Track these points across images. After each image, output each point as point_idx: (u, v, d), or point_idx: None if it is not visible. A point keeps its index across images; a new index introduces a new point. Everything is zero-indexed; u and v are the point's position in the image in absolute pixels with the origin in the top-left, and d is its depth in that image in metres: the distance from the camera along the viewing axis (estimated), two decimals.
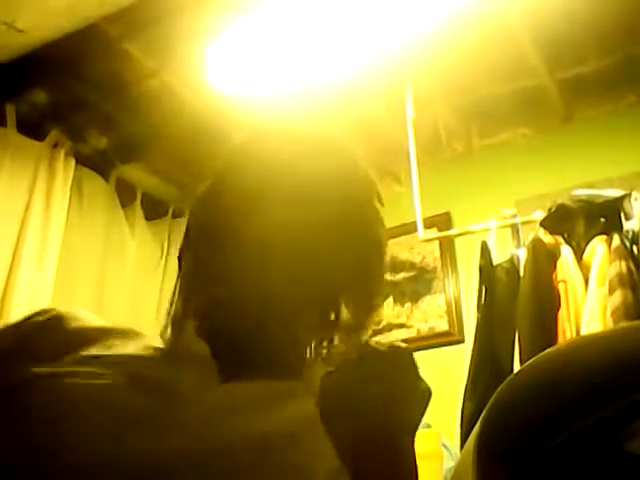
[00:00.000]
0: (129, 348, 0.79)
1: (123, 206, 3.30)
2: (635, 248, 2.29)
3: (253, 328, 0.77)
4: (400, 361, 0.81)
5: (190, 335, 0.80)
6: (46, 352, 0.76)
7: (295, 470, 0.70)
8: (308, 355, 0.82)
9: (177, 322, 0.82)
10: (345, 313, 0.82)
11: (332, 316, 0.82)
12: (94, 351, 0.77)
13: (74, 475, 0.68)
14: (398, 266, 3.35)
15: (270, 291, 0.77)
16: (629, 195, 2.41)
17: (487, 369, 2.40)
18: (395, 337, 3.22)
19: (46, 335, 0.79)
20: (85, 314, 0.84)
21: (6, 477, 0.69)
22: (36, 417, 0.71)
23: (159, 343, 0.82)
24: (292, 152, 0.83)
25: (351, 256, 0.82)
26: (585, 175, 2.89)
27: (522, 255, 2.50)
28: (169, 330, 0.82)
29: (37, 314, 0.81)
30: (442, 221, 3.28)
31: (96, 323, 0.83)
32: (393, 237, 3.22)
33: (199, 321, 0.80)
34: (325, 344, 0.82)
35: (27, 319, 0.81)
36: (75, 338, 0.79)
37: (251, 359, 0.78)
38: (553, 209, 2.51)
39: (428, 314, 3.26)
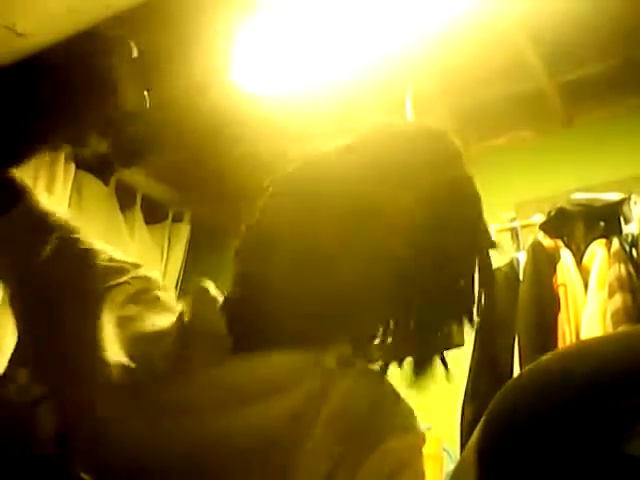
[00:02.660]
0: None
1: (123, 210, 3.30)
2: (634, 252, 2.30)
3: (283, 300, 0.77)
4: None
5: (212, 310, 0.81)
6: None
7: (276, 468, 0.72)
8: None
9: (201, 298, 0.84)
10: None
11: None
12: None
13: None
14: None
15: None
16: (628, 199, 2.41)
17: (487, 372, 2.40)
18: None
19: None
20: None
21: None
22: None
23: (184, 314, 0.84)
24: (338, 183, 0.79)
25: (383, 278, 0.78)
26: (584, 179, 2.89)
27: (522, 259, 2.50)
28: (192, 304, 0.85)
29: None
30: None
31: None
32: None
33: (228, 295, 0.82)
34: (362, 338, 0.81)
35: None
36: None
37: (268, 328, 0.78)
38: (552, 213, 2.51)
39: None
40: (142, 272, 0.89)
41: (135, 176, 3.33)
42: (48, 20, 0.79)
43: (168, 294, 0.89)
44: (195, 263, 3.49)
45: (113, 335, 0.80)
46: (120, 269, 0.88)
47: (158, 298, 0.87)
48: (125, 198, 3.31)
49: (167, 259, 3.44)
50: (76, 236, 0.90)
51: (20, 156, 0.96)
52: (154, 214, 3.46)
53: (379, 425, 0.77)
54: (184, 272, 3.43)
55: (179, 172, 3.26)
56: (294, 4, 2.37)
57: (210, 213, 3.49)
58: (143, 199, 3.39)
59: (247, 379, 0.77)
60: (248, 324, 0.79)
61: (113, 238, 3.22)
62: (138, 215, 3.36)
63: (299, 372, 0.77)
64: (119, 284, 0.85)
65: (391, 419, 0.78)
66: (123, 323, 0.82)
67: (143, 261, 0.93)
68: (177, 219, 3.52)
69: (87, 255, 0.88)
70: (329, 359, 0.79)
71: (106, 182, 3.22)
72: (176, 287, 3.38)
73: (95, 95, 0.96)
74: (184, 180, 3.29)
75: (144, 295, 0.87)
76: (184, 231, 3.51)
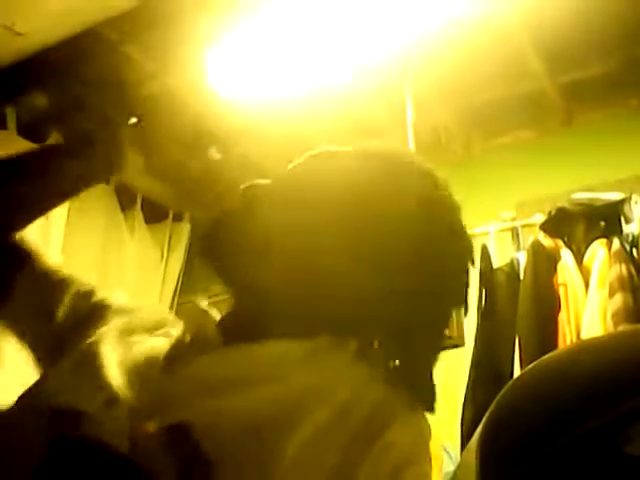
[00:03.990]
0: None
1: (123, 209, 3.30)
2: (635, 251, 2.30)
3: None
4: None
5: (209, 324, 0.85)
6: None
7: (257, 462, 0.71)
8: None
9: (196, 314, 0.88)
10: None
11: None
12: None
13: None
14: None
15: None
16: (629, 198, 2.41)
17: (487, 372, 2.40)
18: None
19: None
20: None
21: None
22: None
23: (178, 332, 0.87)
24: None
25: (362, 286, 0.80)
26: (585, 178, 2.89)
27: (522, 259, 2.50)
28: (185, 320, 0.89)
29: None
30: None
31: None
32: None
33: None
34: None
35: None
36: None
37: (262, 329, 0.79)
38: (553, 212, 2.51)
39: None
40: (152, 310, 0.96)
41: (135, 176, 3.32)
42: (47, 20, 0.80)
43: (177, 328, 0.91)
44: (195, 262, 3.49)
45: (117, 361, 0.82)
46: (131, 309, 0.93)
47: (167, 331, 0.89)
48: (125, 197, 3.31)
49: (167, 258, 3.44)
50: (89, 289, 0.97)
51: (16, 223, 0.98)
52: (154, 213, 3.46)
53: (381, 418, 0.76)
54: (184, 271, 3.43)
55: (179, 172, 3.25)
56: (290, 6, 2.37)
57: (210, 213, 3.49)
58: (143, 199, 3.38)
59: (235, 366, 0.77)
60: (243, 331, 0.80)
61: (113, 237, 3.22)
62: (138, 214, 3.36)
63: (291, 361, 0.77)
64: (130, 322, 0.90)
65: (393, 413, 0.78)
66: (130, 350, 0.84)
67: (143, 261, 0.96)
68: (177, 219, 3.52)
69: (102, 305, 0.94)
70: (326, 347, 0.79)
71: (106, 181, 3.22)
72: (177, 286, 3.38)
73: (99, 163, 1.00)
74: (184, 180, 3.28)
75: (154, 330, 0.90)
76: (184, 230, 3.51)
